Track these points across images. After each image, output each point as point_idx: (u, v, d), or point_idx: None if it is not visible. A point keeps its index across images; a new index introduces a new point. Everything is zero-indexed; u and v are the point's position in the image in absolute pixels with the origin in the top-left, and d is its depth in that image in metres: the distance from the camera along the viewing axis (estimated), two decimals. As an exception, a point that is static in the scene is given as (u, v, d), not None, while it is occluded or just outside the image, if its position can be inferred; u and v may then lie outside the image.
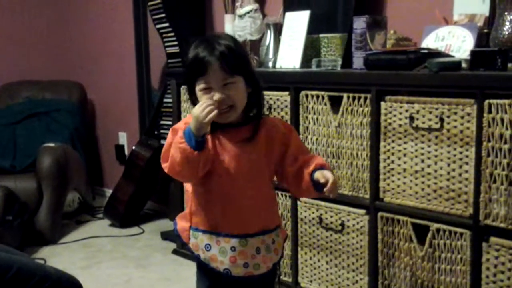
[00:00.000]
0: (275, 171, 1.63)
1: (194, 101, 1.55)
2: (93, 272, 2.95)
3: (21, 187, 3.37)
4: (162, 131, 3.66)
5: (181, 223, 1.65)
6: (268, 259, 1.62)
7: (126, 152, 4.11)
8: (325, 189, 1.49)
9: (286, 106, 2.42)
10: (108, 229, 3.67)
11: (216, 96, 1.48)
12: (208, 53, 1.49)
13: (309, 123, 2.36)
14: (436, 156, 1.99)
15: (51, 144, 3.59)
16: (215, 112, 1.45)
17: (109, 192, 3.97)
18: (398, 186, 2.11)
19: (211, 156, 1.52)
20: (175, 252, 3.15)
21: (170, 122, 3.48)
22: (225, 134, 1.56)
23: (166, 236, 3.40)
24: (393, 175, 2.12)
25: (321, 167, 1.53)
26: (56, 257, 3.16)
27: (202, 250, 1.59)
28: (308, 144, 2.35)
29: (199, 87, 1.51)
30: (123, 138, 4.21)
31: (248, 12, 2.90)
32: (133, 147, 3.66)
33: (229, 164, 1.54)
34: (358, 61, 2.28)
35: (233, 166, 1.54)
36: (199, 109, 1.44)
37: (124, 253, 3.23)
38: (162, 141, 3.67)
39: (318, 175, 1.50)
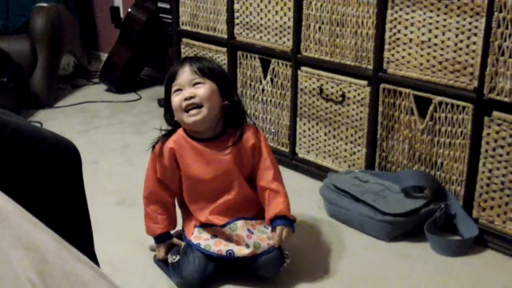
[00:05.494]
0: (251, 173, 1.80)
1: (170, 109, 1.79)
2: (90, 136, 2.94)
3: (14, 49, 3.28)
4: (159, -8, 3.53)
5: (187, 227, 1.80)
6: (265, 238, 1.73)
7: (122, 15, 3.98)
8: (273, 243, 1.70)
9: (290, -30, 2.30)
10: (104, 94, 3.63)
11: (186, 93, 1.67)
12: (180, 64, 1.73)
13: (313, -12, 2.25)
14: (444, 26, 1.92)
15: (44, 4, 3.47)
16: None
17: (104, 56, 3.89)
18: (403, 57, 2.05)
19: (190, 171, 1.74)
20: (172, 118, 3.13)
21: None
22: (205, 144, 1.73)
23: (163, 103, 3.35)
24: (398, 46, 2.05)
25: (281, 216, 1.71)
26: (53, 121, 3.14)
27: (206, 239, 1.72)
28: (312, 10, 2.25)
29: (172, 90, 1.71)
30: (118, 0, 4.06)
31: None
32: (129, 10, 3.53)
33: (205, 170, 1.72)
34: None
35: (210, 171, 1.72)
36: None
37: (121, 118, 3.21)
38: (159, 4, 3.54)
39: (276, 231, 1.70)
